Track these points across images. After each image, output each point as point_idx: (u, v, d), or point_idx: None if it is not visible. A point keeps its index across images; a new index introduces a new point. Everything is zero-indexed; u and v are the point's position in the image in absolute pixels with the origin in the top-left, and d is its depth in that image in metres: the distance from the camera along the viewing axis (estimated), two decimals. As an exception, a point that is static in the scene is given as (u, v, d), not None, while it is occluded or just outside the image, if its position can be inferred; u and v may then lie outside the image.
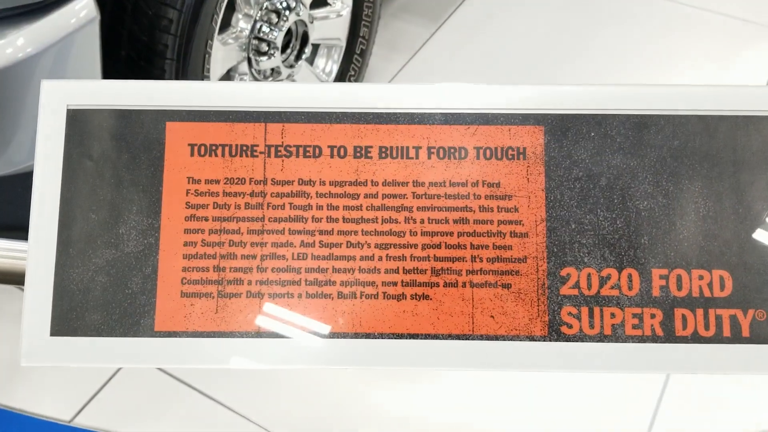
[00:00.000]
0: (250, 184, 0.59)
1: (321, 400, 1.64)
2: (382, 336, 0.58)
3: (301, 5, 1.87)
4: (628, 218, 0.58)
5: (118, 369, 1.66)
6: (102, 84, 0.60)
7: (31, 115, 1.33)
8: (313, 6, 1.93)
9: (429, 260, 0.58)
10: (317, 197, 0.59)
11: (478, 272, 0.58)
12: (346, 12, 2.02)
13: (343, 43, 2.07)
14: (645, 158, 0.58)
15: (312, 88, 0.59)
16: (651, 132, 0.59)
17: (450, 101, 0.59)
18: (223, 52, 1.72)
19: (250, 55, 1.81)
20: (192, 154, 0.59)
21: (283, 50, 1.90)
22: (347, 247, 0.59)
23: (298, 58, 1.97)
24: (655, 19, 2.62)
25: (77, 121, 0.59)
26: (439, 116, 0.59)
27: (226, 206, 0.59)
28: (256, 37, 1.80)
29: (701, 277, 0.58)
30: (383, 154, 0.59)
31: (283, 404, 1.64)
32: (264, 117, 0.59)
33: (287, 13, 1.83)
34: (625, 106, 0.59)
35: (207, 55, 1.63)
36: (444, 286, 0.58)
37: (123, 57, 1.55)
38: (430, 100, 0.59)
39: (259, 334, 0.59)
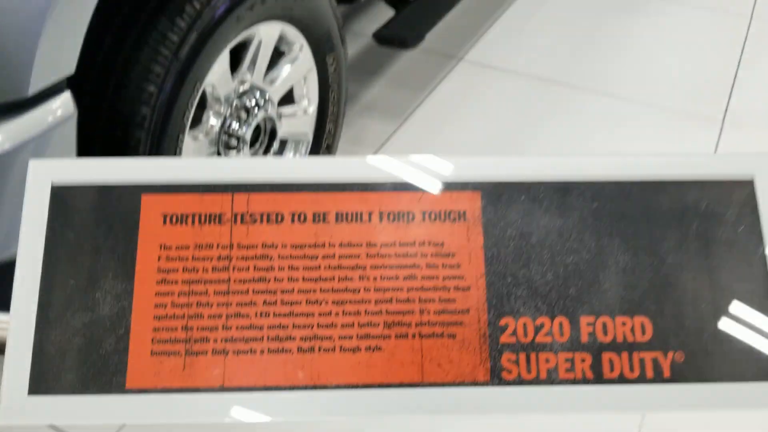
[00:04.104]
0: (217, 249, 0.65)
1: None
2: (339, 387, 0.63)
3: (269, 103, 1.97)
4: (557, 272, 0.65)
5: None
6: (83, 162, 0.67)
7: (7, 207, 1.38)
8: (281, 103, 2.04)
9: (381, 314, 0.64)
10: (279, 259, 0.65)
11: (426, 324, 0.64)
12: (313, 109, 2.13)
13: (310, 138, 2.17)
14: (569, 218, 0.66)
15: (275, 162, 0.67)
16: (573, 196, 0.67)
17: (398, 171, 0.67)
18: (193, 146, 1.80)
19: (220, 149, 1.90)
20: (165, 223, 0.65)
21: (252, 144, 1.99)
22: (306, 304, 0.64)
23: (266, 152, 2.06)
24: (596, 115, 2.79)
25: (60, 196, 0.66)
26: (388, 184, 0.66)
27: (195, 270, 0.65)
28: (226, 132, 1.89)
29: (624, 324, 0.64)
30: (339, 219, 0.66)
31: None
32: (231, 188, 0.66)
33: (256, 110, 1.94)
34: (549, 175, 0.67)
35: (178, 150, 1.71)
36: (395, 338, 0.64)
37: (97, 151, 1.62)
38: (380, 170, 0.67)
39: (224, 388, 0.63)
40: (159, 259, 0.65)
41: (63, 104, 1.42)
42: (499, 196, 0.66)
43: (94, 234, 0.65)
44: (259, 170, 0.66)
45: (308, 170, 0.66)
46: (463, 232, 0.66)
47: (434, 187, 0.67)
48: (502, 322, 0.64)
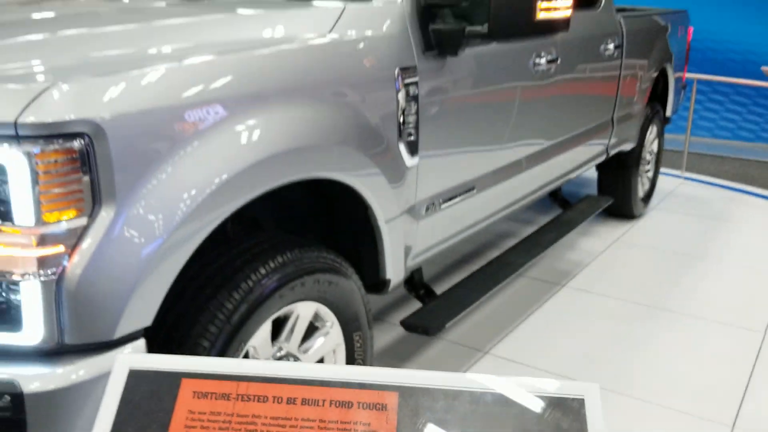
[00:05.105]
0: (223, 415, 0.99)
1: None
2: None
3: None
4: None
5: None
6: (151, 357, 1.05)
7: (80, 423, 1.70)
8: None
9: (323, 468, 0.95)
10: (261, 425, 0.99)
11: (353, 477, 0.94)
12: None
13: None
14: (457, 415, 0.99)
15: (268, 365, 1.04)
16: (459, 399, 1.00)
17: (344, 375, 1.02)
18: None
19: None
20: (194, 397, 1.01)
21: (282, 403, 2.31)
22: (275, 457, 0.96)
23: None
24: (610, 411, 2.94)
25: (133, 376, 1.03)
26: (338, 383, 1.02)
27: (207, 428, 0.99)
28: (261, 389, 2.23)
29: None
30: (304, 403, 1.00)
31: None
32: (239, 378, 1.03)
33: (289, 373, 2.30)
34: (446, 384, 1.01)
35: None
36: (330, 488, 0.94)
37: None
38: (333, 374, 1.02)
39: None
40: (186, 419, 0.99)
41: (136, 349, 1.80)
42: (411, 394, 1.00)
43: (149, 400, 1.01)
44: (257, 370, 1.03)
45: (288, 371, 1.03)
46: (384, 417, 0.99)
47: (367, 387, 1.01)
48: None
